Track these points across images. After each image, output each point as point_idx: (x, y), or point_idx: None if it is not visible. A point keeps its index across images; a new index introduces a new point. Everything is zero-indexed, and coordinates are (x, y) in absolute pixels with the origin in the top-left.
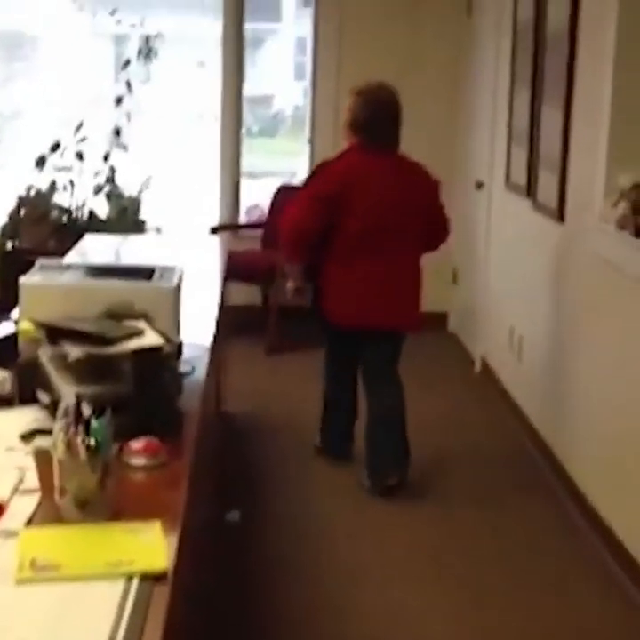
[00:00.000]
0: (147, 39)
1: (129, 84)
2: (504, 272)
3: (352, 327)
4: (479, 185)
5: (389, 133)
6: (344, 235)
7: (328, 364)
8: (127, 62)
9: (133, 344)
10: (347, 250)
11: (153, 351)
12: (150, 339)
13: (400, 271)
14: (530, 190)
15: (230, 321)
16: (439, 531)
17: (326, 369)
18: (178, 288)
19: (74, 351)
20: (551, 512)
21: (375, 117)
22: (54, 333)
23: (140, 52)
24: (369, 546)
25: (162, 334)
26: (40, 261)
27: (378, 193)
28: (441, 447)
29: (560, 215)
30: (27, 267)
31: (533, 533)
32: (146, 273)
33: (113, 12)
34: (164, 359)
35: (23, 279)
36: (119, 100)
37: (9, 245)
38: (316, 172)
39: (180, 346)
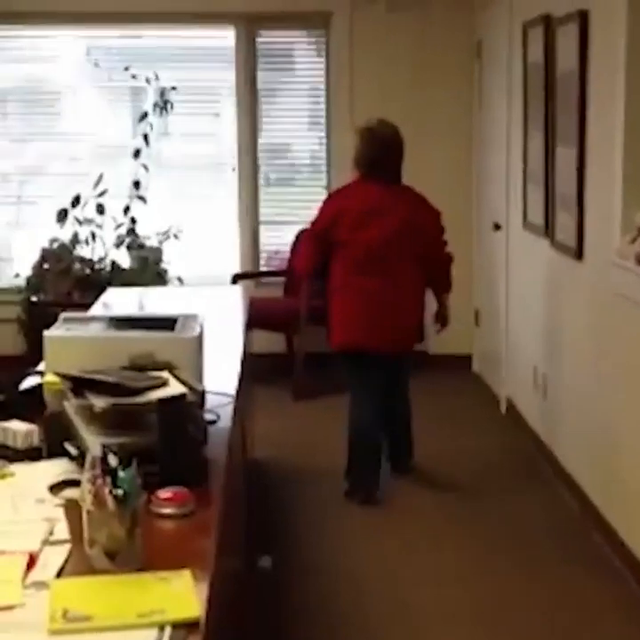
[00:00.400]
0: (162, 92)
1: (146, 137)
2: (525, 312)
3: (349, 352)
4: (497, 227)
5: (386, 166)
6: (339, 264)
7: (351, 395)
8: (144, 115)
9: (157, 394)
10: (341, 278)
11: (177, 400)
12: (174, 388)
13: (394, 297)
14: (547, 230)
15: (255, 368)
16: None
17: (350, 400)
18: (200, 337)
19: (99, 402)
20: (581, 549)
21: (373, 153)
22: (79, 385)
23: (155, 105)
24: (402, 593)
25: (185, 383)
26: (64, 314)
27: (369, 223)
28: (471, 488)
29: (579, 253)
30: (52, 319)
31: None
32: (168, 323)
33: (127, 68)
34: (188, 408)
35: (47, 332)
36: (137, 153)
37: (34, 298)
38: (321, 207)
39: (203, 394)
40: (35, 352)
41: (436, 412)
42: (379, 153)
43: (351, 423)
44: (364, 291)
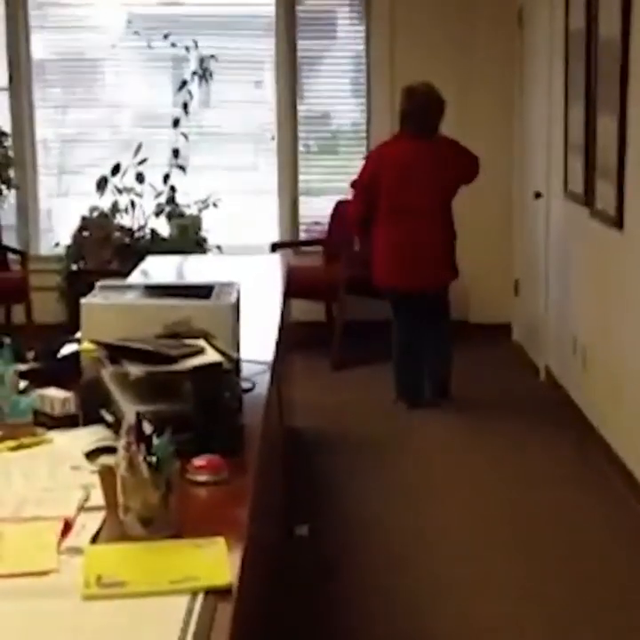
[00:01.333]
0: (201, 61)
1: (186, 106)
2: (565, 281)
3: (387, 289)
4: (537, 195)
5: (422, 121)
6: (379, 211)
7: (394, 322)
8: (183, 84)
9: (193, 362)
10: (380, 224)
11: (212, 368)
12: (209, 356)
13: (426, 239)
14: (588, 199)
15: (294, 337)
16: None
17: (394, 327)
18: (236, 305)
19: (134, 370)
20: (621, 519)
21: (411, 109)
22: (115, 353)
23: (195, 73)
24: (439, 565)
25: (221, 351)
26: (101, 282)
27: (402, 172)
28: (509, 456)
29: (619, 222)
30: (91, 288)
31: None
32: (204, 291)
33: (166, 36)
34: (224, 376)
35: (84, 300)
36: (177, 122)
37: (74, 267)
38: (365, 160)
39: (238, 362)
40: (74, 320)
41: (476, 379)
42: (414, 107)
43: (395, 346)
44: (398, 236)
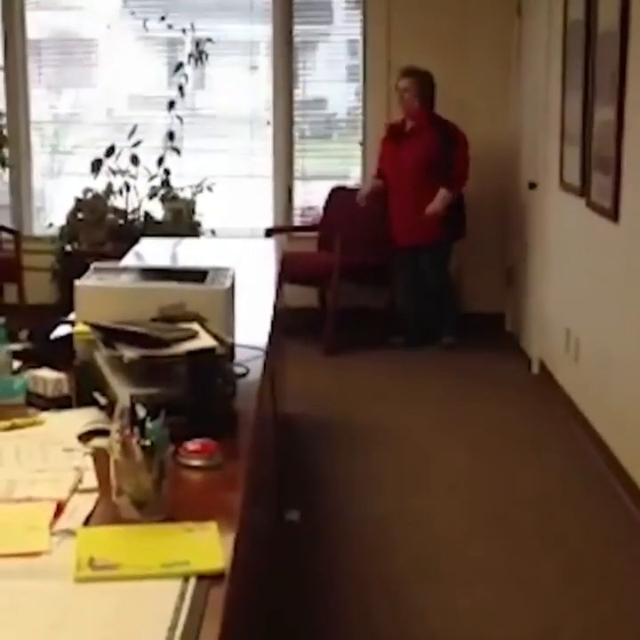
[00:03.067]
0: (197, 43)
1: (181, 88)
2: (559, 272)
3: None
4: (532, 185)
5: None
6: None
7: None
8: (179, 66)
9: (187, 346)
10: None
11: (206, 353)
12: (203, 340)
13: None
14: (583, 190)
15: (288, 323)
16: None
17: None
18: (230, 290)
19: (128, 353)
20: (612, 509)
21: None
22: (109, 335)
23: (190, 55)
24: (432, 545)
25: (215, 336)
26: (95, 264)
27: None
28: (499, 447)
29: (615, 214)
30: (84, 269)
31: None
32: (199, 275)
33: (163, 18)
34: (218, 361)
35: (78, 282)
36: (171, 104)
37: (67, 248)
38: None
39: (232, 347)
40: (68, 301)
41: (468, 369)
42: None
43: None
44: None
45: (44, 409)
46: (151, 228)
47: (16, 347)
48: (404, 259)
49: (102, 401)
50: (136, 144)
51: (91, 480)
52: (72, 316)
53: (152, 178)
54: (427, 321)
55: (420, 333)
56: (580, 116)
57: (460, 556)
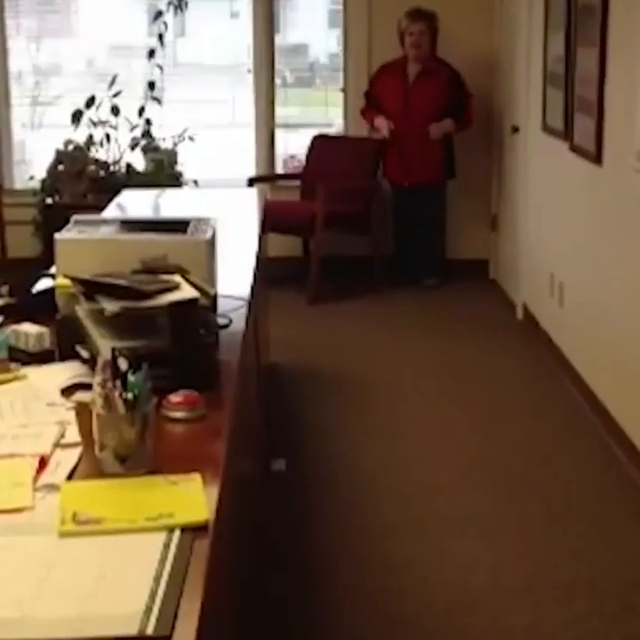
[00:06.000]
0: None
1: (161, 37)
2: (543, 217)
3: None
4: (515, 129)
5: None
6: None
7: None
8: (158, 14)
9: (168, 297)
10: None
11: (188, 304)
12: (185, 292)
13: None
14: (567, 133)
15: (271, 272)
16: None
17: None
18: (212, 240)
19: (110, 306)
20: (597, 454)
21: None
22: (90, 288)
23: (170, 3)
24: (419, 492)
25: (197, 287)
26: (75, 217)
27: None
28: (485, 393)
29: (598, 157)
30: (66, 221)
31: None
32: (180, 226)
33: None
34: (200, 312)
35: (58, 235)
36: (152, 53)
37: (49, 200)
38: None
39: (215, 298)
40: (50, 254)
41: (452, 316)
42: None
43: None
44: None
45: (27, 363)
46: (133, 179)
47: None
48: (402, 200)
49: (85, 354)
50: (116, 94)
51: (74, 435)
52: (53, 270)
53: (133, 128)
54: (412, 262)
55: (405, 274)
56: (563, 57)
57: (448, 503)
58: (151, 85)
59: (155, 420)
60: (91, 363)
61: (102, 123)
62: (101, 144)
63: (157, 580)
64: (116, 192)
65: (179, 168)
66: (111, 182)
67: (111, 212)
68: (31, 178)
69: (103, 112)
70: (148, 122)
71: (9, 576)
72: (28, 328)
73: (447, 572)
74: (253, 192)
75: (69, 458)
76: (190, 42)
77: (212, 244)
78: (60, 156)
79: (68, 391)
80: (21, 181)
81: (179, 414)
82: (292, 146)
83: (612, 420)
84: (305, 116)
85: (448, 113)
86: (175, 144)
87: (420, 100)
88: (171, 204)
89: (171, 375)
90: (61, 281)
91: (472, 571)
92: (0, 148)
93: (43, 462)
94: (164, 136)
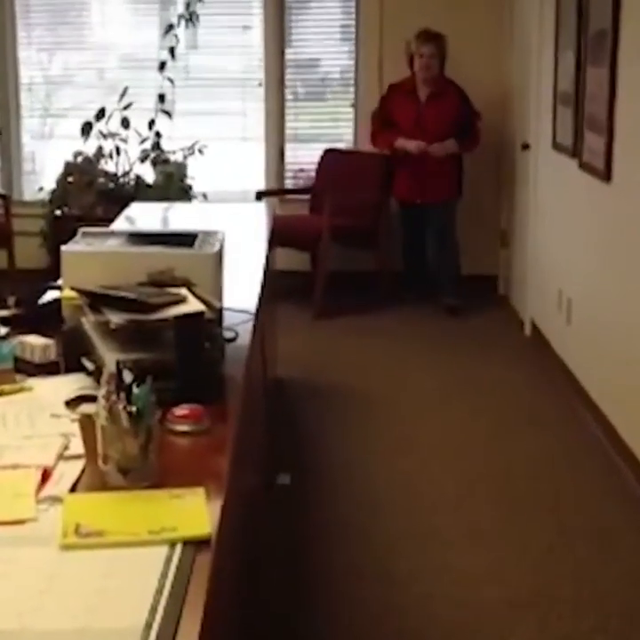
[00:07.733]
0: (188, 4)
1: (172, 50)
2: (552, 234)
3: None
4: (525, 146)
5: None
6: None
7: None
8: (170, 27)
9: (174, 311)
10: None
11: (194, 317)
12: (191, 305)
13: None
14: (576, 150)
15: (278, 286)
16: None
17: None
18: (219, 254)
19: (115, 318)
20: (603, 470)
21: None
22: (96, 301)
23: (182, 16)
24: (425, 507)
25: (203, 300)
26: (83, 229)
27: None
28: (491, 408)
29: (607, 175)
30: (74, 233)
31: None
32: (188, 239)
33: None
34: (206, 325)
35: (64, 247)
36: (162, 66)
37: (58, 212)
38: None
39: (221, 311)
40: (57, 266)
41: (461, 331)
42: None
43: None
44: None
45: (32, 375)
46: (142, 191)
47: (4, 313)
48: (411, 218)
49: (90, 366)
50: (127, 106)
51: (78, 446)
52: (60, 282)
53: (143, 141)
54: (425, 279)
55: (422, 293)
56: (573, 75)
57: (453, 518)
58: (161, 98)
59: (159, 434)
60: (96, 375)
61: (112, 135)
62: (111, 156)
63: (159, 594)
64: (125, 204)
65: (188, 181)
66: (120, 194)
67: (120, 224)
68: (40, 189)
69: (113, 124)
70: (157, 134)
71: (10, 588)
72: (34, 339)
73: (451, 587)
74: (262, 206)
75: (73, 470)
76: (202, 55)
77: (218, 257)
78: (70, 168)
79: (72, 403)
80: (31, 192)
81: (183, 428)
82: (302, 159)
83: (617, 436)
84: (315, 130)
85: (459, 132)
86: (185, 157)
87: (432, 121)
88: (179, 217)
89: (176, 388)
90: (68, 293)
91: (476, 586)
92: (10, 158)
93: (46, 474)
94: (173, 149)
